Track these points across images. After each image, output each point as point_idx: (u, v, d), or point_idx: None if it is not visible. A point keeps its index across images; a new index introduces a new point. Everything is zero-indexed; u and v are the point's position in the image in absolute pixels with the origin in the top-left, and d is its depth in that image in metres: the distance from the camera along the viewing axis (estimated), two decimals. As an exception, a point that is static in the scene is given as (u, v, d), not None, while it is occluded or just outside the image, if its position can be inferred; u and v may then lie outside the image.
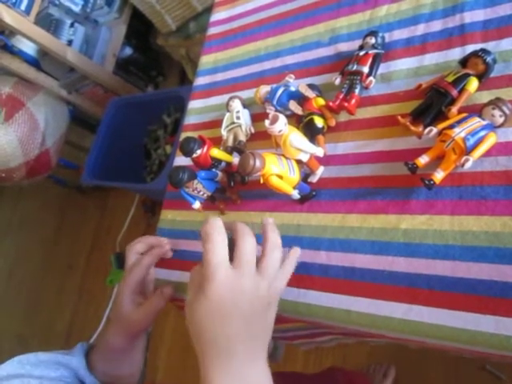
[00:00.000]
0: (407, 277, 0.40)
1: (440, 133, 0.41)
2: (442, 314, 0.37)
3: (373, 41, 0.51)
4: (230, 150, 0.57)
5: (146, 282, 0.54)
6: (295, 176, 0.47)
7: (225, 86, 0.68)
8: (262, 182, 0.45)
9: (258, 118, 0.60)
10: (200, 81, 0.72)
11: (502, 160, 0.40)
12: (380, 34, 0.51)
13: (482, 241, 0.38)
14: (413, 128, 0.44)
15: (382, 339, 0.48)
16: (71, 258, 2.03)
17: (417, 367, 1.10)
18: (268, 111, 0.55)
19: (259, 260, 0.38)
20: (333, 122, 0.51)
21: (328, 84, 0.55)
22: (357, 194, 0.47)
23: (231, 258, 0.36)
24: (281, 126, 0.44)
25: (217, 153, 0.53)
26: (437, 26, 0.49)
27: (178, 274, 0.57)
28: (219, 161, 0.54)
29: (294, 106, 0.51)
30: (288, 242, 0.48)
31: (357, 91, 0.50)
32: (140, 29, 1.67)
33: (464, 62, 0.45)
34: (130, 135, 1.51)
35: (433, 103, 0.44)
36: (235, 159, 0.55)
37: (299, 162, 0.48)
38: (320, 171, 0.50)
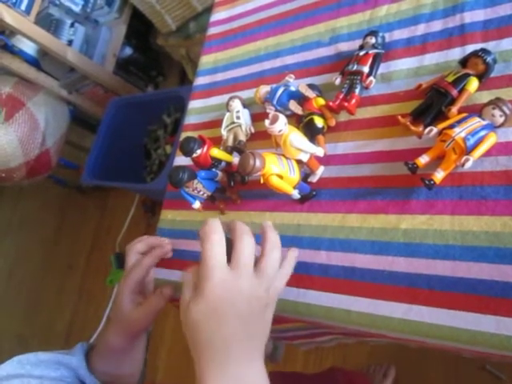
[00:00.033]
0: (407, 277, 0.40)
1: (440, 133, 0.41)
2: (442, 313, 0.37)
3: (373, 41, 0.51)
4: (229, 150, 0.57)
5: (145, 282, 0.54)
6: (295, 176, 0.47)
7: (225, 86, 0.68)
8: (262, 181, 0.45)
9: (258, 117, 0.60)
10: (200, 81, 0.72)
11: (502, 160, 0.40)
12: (380, 34, 0.51)
13: (482, 241, 0.38)
14: (413, 128, 0.44)
15: (382, 339, 0.48)
16: (71, 257, 2.03)
17: (417, 367, 1.10)
18: (268, 111, 0.55)
19: (258, 260, 0.38)
20: (333, 122, 0.51)
21: (328, 84, 0.55)
22: (357, 194, 0.47)
23: (230, 259, 0.36)
24: (281, 126, 0.44)
25: (217, 153, 0.53)
26: (437, 25, 0.49)
27: (177, 273, 0.57)
28: (219, 161, 0.54)
29: (294, 105, 0.51)
30: (288, 241, 0.49)
31: (357, 91, 0.50)
32: (140, 29, 1.68)
33: (464, 62, 0.45)
34: (130, 135, 1.51)
35: (433, 103, 0.44)
36: (235, 159, 0.55)
37: (299, 161, 0.48)
38: (320, 171, 0.50)
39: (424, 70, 0.48)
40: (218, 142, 0.60)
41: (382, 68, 0.51)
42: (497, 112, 0.40)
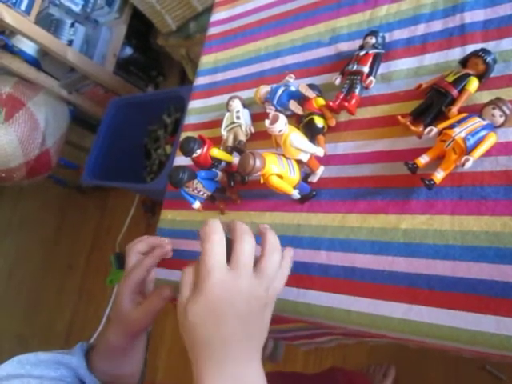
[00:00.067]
0: (407, 277, 0.40)
1: (440, 133, 0.41)
2: (442, 313, 0.37)
3: (373, 41, 0.51)
4: (230, 150, 0.57)
5: (146, 282, 0.54)
6: (295, 176, 0.47)
7: (225, 86, 0.68)
8: (262, 181, 0.45)
9: (258, 117, 0.60)
10: (200, 81, 0.72)
11: (502, 160, 0.40)
12: (380, 34, 0.51)
13: (482, 241, 0.38)
14: (413, 128, 0.44)
15: (382, 339, 0.48)
16: (71, 258, 2.03)
17: (417, 367, 1.10)
18: (268, 111, 0.55)
19: (258, 260, 0.38)
20: (333, 122, 0.51)
21: (328, 84, 0.55)
22: (357, 194, 0.47)
23: (230, 259, 0.36)
24: (281, 126, 0.44)
25: (217, 152, 0.53)
26: (437, 25, 0.49)
27: (177, 274, 0.57)
28: (219, 161, 0.54)
29: (294, 105, 0.51)
30: (288, 241, 0.49)
31: (357, 91, 0.50)
32: (140, 29, 1.68)
33: (464, 62, 0.45)
34: (130, 135, 1.51)
35: (433, 103, 0.44)
36: (235, 159, 0.55)
37: (299, 161, 0.48)
38: (320, 171, 0.50)
39: (424, 69, 0.48)
40: (218, 141, 0.60)
41: (382, 68, 0.51)
42: (497, 112, 0.40)
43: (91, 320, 1.72)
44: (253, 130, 0.59)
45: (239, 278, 0.35)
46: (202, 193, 0.53)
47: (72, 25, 1.47)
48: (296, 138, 0.45)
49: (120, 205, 1.92)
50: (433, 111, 0.44)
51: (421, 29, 0.50)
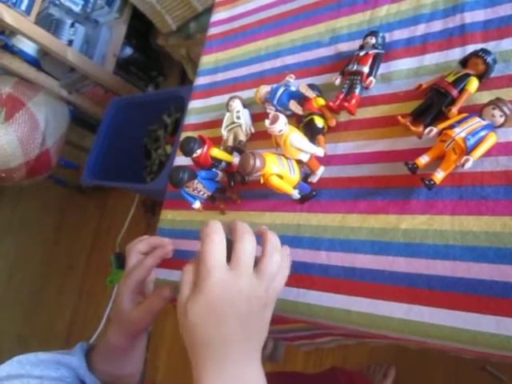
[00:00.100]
0: (407, 277, 0.40)
1: (440, 133, 0.41)
2: (442, 314, 0.37)
3: (373, 41, 0.51)
4: (230, 150, 0.57)
5: (146, 282, 0.54)
6: (295, 176, 0.47)
7: (225, 86, 0.68)
8: (262, 181, 0.45)
9: (258, 117, 0.60)
10: (200, 81, 0.72)
11: (502, 160, 0.40)
12: (380, 34, 0.51)
13: (482, 241, 0.38)
14: (413, 128, 0.44)
15: (383, 340, 0.48)
16: (71, 258, 2.03)
17: (417, 367, 1.10)
18: (268, 111, 0.55)
19: (259, 260, 0.38)
20: (333, 122, 0.51)
21: (328, 84, 0.55)
22: (357, 194, 0.47)
23: (230, 260, 0.36)
24: (281, 126, 0.44)
25: (217, 153, 0.53)
26: (437, 26, 0.49)
27: (177, 273, 0.57)
28: (219, 161, 0.54)
29: (294, 105, 0.51)
30: (288, 241, 0.48)
31: (357, 91, 0.50)
32: (140, 29, 1.68)
33: (464, 62, 0.45)
34: (130, 135, 1.51)
35: (433, 103, 0.44)
36: (235, 159, 0.55)
37: (299, 161, 0.48)
38: (320, 171, 0.50)
39: (424, 70, 0.48)
40: (218, 142, 0.60)
41: (382, 68, 0.51)
42: (497, 112, 0.40)
43: (91, 320, 1.72)
44: (253, 130, 0.59)
45: (239, 278, 0.35)
46: (202, 193, 0.53)
47: (72, 25, 1.47)
48: (296, 138, 0.45)
49: (120, 205, 1.92)
50: (433, 111, 0.44)
51: (421, 29, 0.50)
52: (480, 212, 0.39)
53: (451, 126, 0.40)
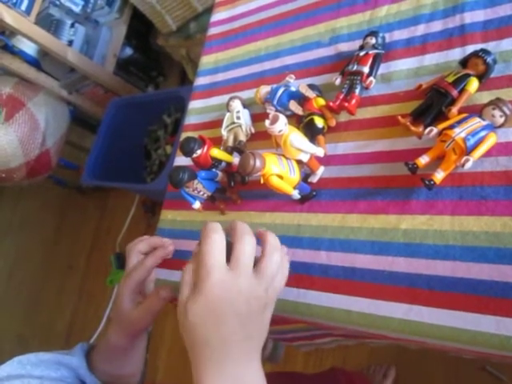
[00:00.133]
0: (407, 277, 0.40)
1: (440, 133, 0.41)
2: (442, 314, 0.37)
3: (373, 41, 0.51)
4: (230, 150, 0.57)
5: (146, 282, 0.54)
6: (295, 176, 0.47)
7: (225, 86, 0.68)
8: (262, 182, 0.45)
9: (258, 118, 0.60)
10: (200, 81, 0.72)
11: (502, 160, 0.40)
12: (380, 34, 0.51)
13: (482, 241, 0.38)
14: (413, 128, 0.44)
15: (383, 340, 0.48)
16: (71, 258, 2.03)
17: (417, 368, 1.10)
18: (268, 111, 0.56)
19: (258, 260, 0.38)
20: (333, 122, 0.51)
21: (328, 84, 0.55)
22: (357, 194, 0.47)
23: (230, 260, 0.36)
24: (281, 126, 0.44)
25: (217, 153, 0.53)
26: (437, 26, 0.49)
27: (177, 274, 0.57)
28: (219, 161, 0.54)
29: (294, 106, 0.51)
30: (288, 242, 0.49)
31: (357, 91, 0.50)
32: (140, 29, 1.68)
33: (464, 63, 0.45)
34: (130, 135, 1.51)
35: (433, 103, 0.44)
36: (235, 159, 0.55)
37: (299, 162, 0.48)
38: (320, 171, 0.50)
39: (424, 70, 0.48)
40: (218, 142, 0.60)
41: (382, 68, 0.51)
42: (497, 112, 0.40)
43: (91, 320, 1.72)
44: (253, 130, 0.59)
45: (239, 278, 0.35)
46: (202, 193, 0.53)
47: (72, 25, 1.47)
48: (296, 138, 0.45)
49: (120, 205, 1.92)
50: (433, 111, 0.44)
51: (421, 29, 0.50)
52: (480, 212, 0.39)
53: (451, 127, 0.40)
